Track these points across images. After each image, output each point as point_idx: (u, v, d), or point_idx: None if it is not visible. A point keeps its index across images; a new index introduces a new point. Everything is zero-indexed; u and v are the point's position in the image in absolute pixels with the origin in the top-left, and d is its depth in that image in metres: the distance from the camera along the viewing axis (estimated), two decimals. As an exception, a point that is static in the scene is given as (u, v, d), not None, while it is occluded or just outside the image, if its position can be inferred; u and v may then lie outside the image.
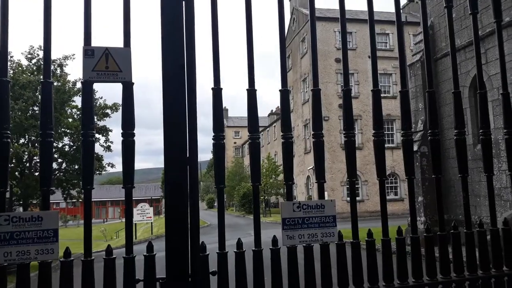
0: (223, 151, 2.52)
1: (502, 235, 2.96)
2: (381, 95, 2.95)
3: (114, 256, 2.26)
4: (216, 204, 69.07)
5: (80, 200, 19.40)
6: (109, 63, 2.33)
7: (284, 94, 2.63)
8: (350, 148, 2.69)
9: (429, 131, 2.93)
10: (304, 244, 2.48)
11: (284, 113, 2.65)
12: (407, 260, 2.64)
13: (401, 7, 3.17)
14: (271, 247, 2.44)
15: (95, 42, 2.36)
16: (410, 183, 2.84)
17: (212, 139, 2.47)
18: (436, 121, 2.92)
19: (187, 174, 2.34)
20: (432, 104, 2.96)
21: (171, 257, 2.26)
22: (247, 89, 2.57)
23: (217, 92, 2.50)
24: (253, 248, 2.44)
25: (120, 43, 2.41)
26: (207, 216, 44.29)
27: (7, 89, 2.29)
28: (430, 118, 2.92)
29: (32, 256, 2.14)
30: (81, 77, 2.33)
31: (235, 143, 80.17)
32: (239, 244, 2.42)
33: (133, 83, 2.39)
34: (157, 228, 33.92)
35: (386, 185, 34.34)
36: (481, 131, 3.03)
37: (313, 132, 2.64)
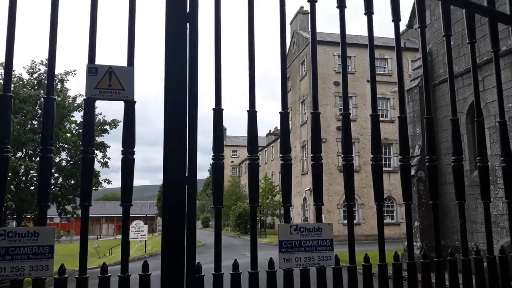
0: (223, 171, 2.53)
1: (498, 262, 2.95)
2: (379, 119, 2.98)
3: (109, 274, 2.24)
4: (211, 223, 68.47)
5: (75, 216, 19.25)
6: (112, 81, 2.35)
7: (284, 116, 2.66)
8: (348, 171, 2.71)
9: (427, 157, 2.95)
10: (300, 268, 2.47)
11: (283, 135, 2.67)
12: (403, 285, 2.63)
13: (400, 33, 3.22)
14: (267, 270, 2.43)
15: (99, 60, 2.40)
16: (408, 208, 2.84)
17: (212, 158, 2.48)
18: (434, 147, 2.94)
19: (185, 194, 2.34)
20: (430, 130, 2.99)
21: (167, 278, 2.24)
22: (247, 110, 2.59)
23: (218, 112, 2.52)
24: (249, 270, 2.42)
25: (123, 61, 2.45)
26: (202, 236, 43.89)
27: (10, 104, 2.32)
28: (428, 144, 2.94)
29: (26, 272, 2.12)
30: (82, 92, 2.37)
31: (232, 162, 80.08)
32: (235, 265, 2.41)
33: (135, 102, 2.41)
34: (151, 246, 33.58)
35: (386, 209, 34.34)
36: (478, 158, 3.05)
37: (312, 155, 2.65)
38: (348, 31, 3.16)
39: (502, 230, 11.36)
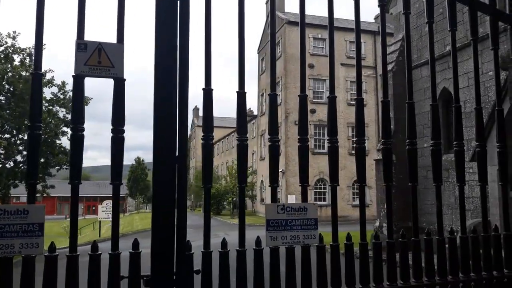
0: (212, 151, 2.56)
1: (470, 241, 3.11)
2: (351, 102, 3.07)
3: (100, 252, 2.26)
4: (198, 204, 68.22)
5: (45, 195, 18.83)
6: (101, 58, 2.33)
7: (273, 98, 2.70)
8: (332, 154, 2.79)
9: (408, 140, 3.04)
10: (286, 245, 2.55)
11: (271, 117, 2.71)
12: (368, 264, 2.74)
13: (373, 17, 3.29)
14: (254, 248, 2.50)
15: (87, 37, 2.36)
16: (388, 190, 2.95)
17: (202, 139, 2.51)
18: (415, 131, 3.04)
19: (175, 173, 2.36)
20: (411, 115, 3.08)
21: (157, 255, 2.27)
22: (237, 91, 2.62)
23: (207, 92, 2.53)
24: (237, 248, 2.48)
25: (111, 38, 2.42)
26: (192, 218, 43.88)
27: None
28: (409, 128, 3.04)
29: (16, 250, 2.11)
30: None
31: (204, 142, 79.53)
32: (224, 243, 2.46)
33: (124, 79, 2.39)
34: (122, 226, 33.33)
35: (353, 190, 35.09)
36: (455, 142, 3.17)
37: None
38: (323, 13, 3.18)
39: (467, 212, 11.85)
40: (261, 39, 43.34)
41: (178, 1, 2.46)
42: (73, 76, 2.30)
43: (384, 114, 3.02)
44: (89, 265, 2.23)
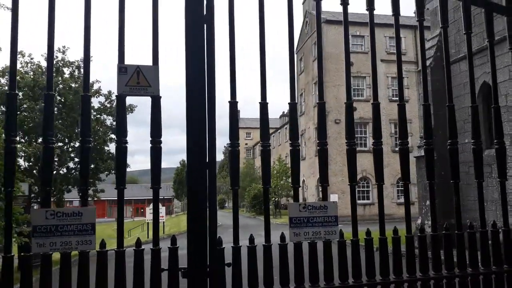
0: (238, 157, 2.85)
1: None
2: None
3: (143, 247, 2.60)
4: (226, 204, 69.20)
5: (95, 199, 19.88)
6: (140, 79, 2.67)
7: (292, 106, 2.96)
8: (350, 155, 3.01)
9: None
10: (308, 241, 2.80)
11: (292, 124, 2.97)
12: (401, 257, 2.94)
13: (413, 11, 3.47)
14: (279, 243, 2.76)
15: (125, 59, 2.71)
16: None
17: (228, 146, 2.81)
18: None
19: (206, 177, 2.67)
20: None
21: (192, 249, 2.59)
22: (259, 102, 2.89)
23: (233, 105, 2.83)
24: (264, 243, 2.75)
25: (145, 59, 2.76)
26: (219, 217, 44.67)
27: (53, 102, 2.65)
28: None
29: (73, 246, 2.49)
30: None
31: (246, 144, 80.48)
32: (251, 239, 2.74)
33: (160, 97, 2.72)
34: (169, 227, 34.36)
35: (397, 188, 34.50)
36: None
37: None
38: (359, 10, 3.37)
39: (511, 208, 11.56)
40: (299, 38, 43.30)
41: (205, 25, 2.77)
42: (116, 96, 2.66)
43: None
44: (134, 259, 2.57)
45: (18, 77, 15.46)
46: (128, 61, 2.71)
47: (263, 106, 2.88)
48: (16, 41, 2.55)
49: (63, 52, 18.04)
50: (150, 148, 2.68)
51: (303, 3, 42.27)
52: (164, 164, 2.86)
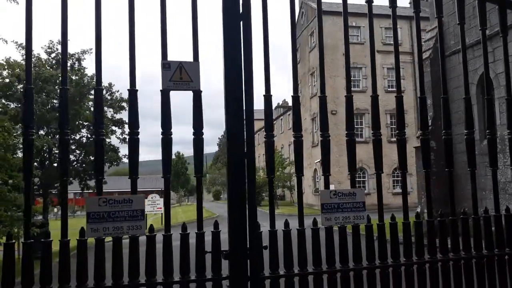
0: (273, 148, 3.04)
1: (504, 221, 3.46)
2: (389, 89, 3.46)
3: (188, 232, 2.79)
4: (222, 196, 69.36)
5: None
6: (182, 75, 2.84)
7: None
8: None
9: (443, 131, 3.42)
10: (338, 225, 3.01)
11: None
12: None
13: (409, 1, 3.63)
14: (312, 227, 2.97)
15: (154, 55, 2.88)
16: (427, 176, 3.35)
17: (264, 137, 3.00)
18: (450, 123, 3.41)
19: (244, 167, 2.86)
20: (446, 108, 3.45)
21: (234, 233, 2.78)
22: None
23: (268, 99, 3.01)
24: (298, 228, 2.96)
25: (184, 54, 2.93)
26: (215, 208, 44.96)
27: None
28: (444, 119, 3.41)
29: (124, 231, 2.67)
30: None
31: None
32: (286, 224, 2.94)
33: (201, 91, 2.90)
34: (167, 218, 34.33)
35: (393, 178, 34.91)
36: (487, 131, 3.52)
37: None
38: (356, 0, 3.54)
39: (510, 196, 11.84)
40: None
41: (241, 22, 2.94)
42: (160, 90, 2.82)
43: (422, 109, 3.41)
44: (180, 243, 2.77)
45: (17, 70, 15.50)
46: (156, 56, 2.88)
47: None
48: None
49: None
50: (193, 140, 2.86)
51: (298, -6, 42.23)
52: (158, 156, 2.98)
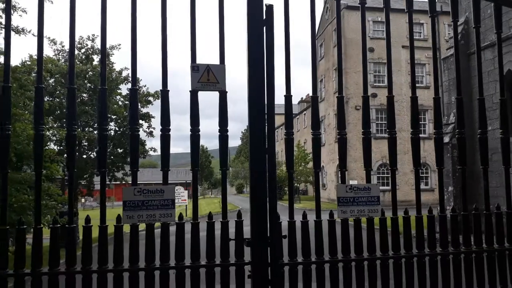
0: (292, 144, 3.26)
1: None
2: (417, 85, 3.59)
3: (213, 220, 3.05)
4: (244, 189, 69.85)
5: (124, 182, 20.53)
6: (209, 77, 3.09)
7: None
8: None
9: (457, 130, 3.59)
10: (354, 218, 3.22)
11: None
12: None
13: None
14: (328, 219, 3.19)
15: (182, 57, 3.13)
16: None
17: (284, 135, 3.23)
18: (463, 122, 3.57)
19: (265, 161, 3.10)
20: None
21: (255, 222, 3.03)
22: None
23: (288, 99, 3.24)
24: (315, 219, 3.18)
25: (211, 57, 3.18)
26: (238, 201, 45.40)
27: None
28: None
29: (157, 218, 2.96)
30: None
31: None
32: (304, 215, 3.17)
33: (227, 92, 3.15)
34: (191, 210, 35.02)
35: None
36: (501, 131, 3.66)
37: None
38: None
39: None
40: (319, 25, 43.15)
41: (264, 28, 3.17)
42: (190, 91, 3.08)
43: (436, 109, 3.58)
44: (207, 231, 3.03)
45: (50, 65, 16.08)
46: (183, 58, 3.13)
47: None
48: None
49: (92, 40, 18.62)
50: (219, 137, 3.12)
51: (323, -11, 42.00)
52: (181, 149, 3.25)
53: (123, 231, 2.98)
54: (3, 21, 10.80)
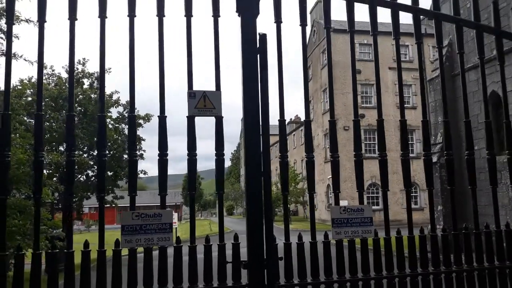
0: (287, 167, 3.35)
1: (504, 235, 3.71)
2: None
3: (211, 243, 3.10)
4: (235, 211, 69.53)
5: (113, 205, 20.38)
6: (206, 103, 3.19)
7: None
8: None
9: (445, 152, 3.71)
10: (348, 238, 3.29)
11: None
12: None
13: (420, 19, 3.92)
14: (323, 240, 3.26)
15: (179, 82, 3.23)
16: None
17: (279, 158, 3.31)
18: (451, 145, 3.70)
19: (261, 184, 3.17)
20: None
21: (252, 245, 3.08)
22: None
23: (282, 124, 3.34)
24: (310, 240, 3.25)
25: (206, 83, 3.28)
26: (228, 223, 45.09)
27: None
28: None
29: (155, 242, 3.00)
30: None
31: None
32: (300, 236, 3.24)
33: (222, 117, 3.24)
34: (181, 233, 34.71)
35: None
36: (487, 151, 3.80)
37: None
38: (364, 18, 3.84)
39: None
40: (308, 47, 43.85)
41: (258, 55, 3.29)
42: (187, 117, 3.17)
43: (424, 131, 3.71)
44: (204, 254, 3.07)
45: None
46: (176, 81, 3.23)
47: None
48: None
49: (83, 64, 18.76)
50: (215, 160, 3.19)
51: (310, 12, 42.89)
52: (172, 171, 3.32)
53: (121, 255, 3.01)
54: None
